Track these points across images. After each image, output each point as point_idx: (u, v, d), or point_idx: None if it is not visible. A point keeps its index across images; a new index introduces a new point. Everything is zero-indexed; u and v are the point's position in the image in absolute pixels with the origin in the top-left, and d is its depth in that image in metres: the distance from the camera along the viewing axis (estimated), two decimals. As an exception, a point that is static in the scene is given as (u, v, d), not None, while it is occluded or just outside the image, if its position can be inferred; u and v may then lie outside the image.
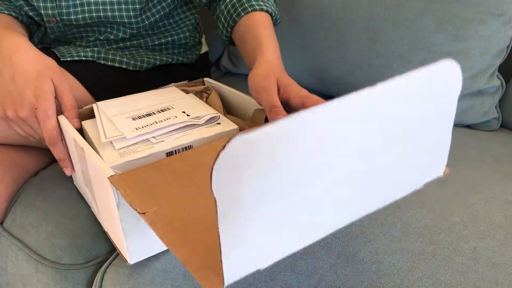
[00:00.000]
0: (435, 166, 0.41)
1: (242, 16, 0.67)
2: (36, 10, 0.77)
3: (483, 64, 0.74)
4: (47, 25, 0.77)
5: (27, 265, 0.64)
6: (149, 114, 0.62)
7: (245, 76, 1.06)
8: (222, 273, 0.30)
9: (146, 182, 0.47)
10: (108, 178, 0.46)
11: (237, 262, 0.30)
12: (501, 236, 0.51)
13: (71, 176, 0.72)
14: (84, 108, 0.66)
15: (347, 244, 0.51)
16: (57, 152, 0.61)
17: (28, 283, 0.65)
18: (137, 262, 0.53)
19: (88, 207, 0.66)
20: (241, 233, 0.29)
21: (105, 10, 0.75)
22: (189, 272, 0.47)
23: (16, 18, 0.77)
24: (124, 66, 0.79)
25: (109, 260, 0.56)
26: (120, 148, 0.55)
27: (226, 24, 0.70)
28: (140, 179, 0.48)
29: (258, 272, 0.49)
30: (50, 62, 0.65)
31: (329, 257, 0.49)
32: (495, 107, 0.79)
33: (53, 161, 0.82)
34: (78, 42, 0.79)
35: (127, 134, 0.56)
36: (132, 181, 0.47)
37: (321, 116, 0.29)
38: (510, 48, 0.76)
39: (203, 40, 0.96)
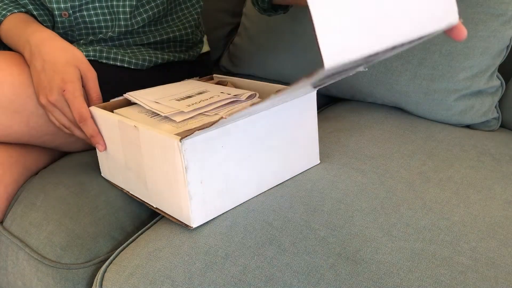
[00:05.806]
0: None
1: None
2: (42, 6, 0.78)
3: (483, 64, 0.74)
4: (58, 19, 0.77)
5: (27, 265, 0.65)
6: (190, 96, 0.64)
7: (245, 76, 1.06)
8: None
9: None
10: (179, 140, 0.49)
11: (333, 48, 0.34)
12: (501, 236, 0.51)
13: (71, 175, 0.72)
14: (111, 101, 0.68)
15: (347, 244, 0.51)
16: (88, 130, 0.64)
17: (29, 282, 0.65)
18: (136, 262, 0.53)
19: (88, 206, 0.66)
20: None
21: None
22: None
23: (26, 13, 0.78)
24: (126, 65, 0.79)
25: (109, 260, 0.56)
26: (181, 121, 0.58)
27: None
28: None
29: (257, 272, 0.49)
30: (78, 53, 0.68)
31: (329, 257, 0.49)
32: (495, 107, 0.79)
33: (53, 160, 0.82)
34: (82, 41, 0.79)
35: (184, 108, 0.59)
36: None
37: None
38: (510, 48, 0.76)
39: (204, 39, 0.96)
